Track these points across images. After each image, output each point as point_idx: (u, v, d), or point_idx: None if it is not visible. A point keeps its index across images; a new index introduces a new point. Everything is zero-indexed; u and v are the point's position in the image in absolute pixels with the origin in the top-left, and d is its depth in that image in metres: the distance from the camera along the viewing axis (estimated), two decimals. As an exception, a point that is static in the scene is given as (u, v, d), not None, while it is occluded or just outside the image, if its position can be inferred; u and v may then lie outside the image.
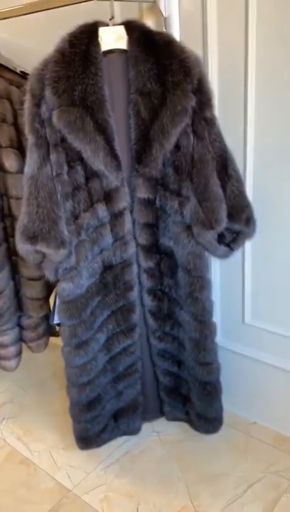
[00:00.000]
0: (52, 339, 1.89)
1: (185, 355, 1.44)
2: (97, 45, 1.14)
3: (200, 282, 1.32)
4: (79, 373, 1.37)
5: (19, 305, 1.75)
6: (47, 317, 1.78)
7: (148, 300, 1.38)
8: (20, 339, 1.83)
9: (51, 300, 1.41)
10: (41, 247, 1.19)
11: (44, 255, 1.23)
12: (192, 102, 1.14)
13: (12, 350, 1.79)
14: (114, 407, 1.51)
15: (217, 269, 1.53)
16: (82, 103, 1.11)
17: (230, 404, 1.61)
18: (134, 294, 1.35)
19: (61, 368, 1.42)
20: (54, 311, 1.37)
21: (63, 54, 1.12)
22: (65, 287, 1.27)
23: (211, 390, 1.45)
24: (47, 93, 1.11)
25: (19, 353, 1.83)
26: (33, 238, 1.19)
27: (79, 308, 1.30)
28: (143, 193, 1.24)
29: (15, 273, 1.71)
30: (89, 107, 1.12)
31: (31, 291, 1.70)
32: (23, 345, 1.85)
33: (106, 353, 1.41)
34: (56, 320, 1.37)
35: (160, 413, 1.61)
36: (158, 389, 1.55)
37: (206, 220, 1.21)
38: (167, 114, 1.13)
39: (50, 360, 2.07)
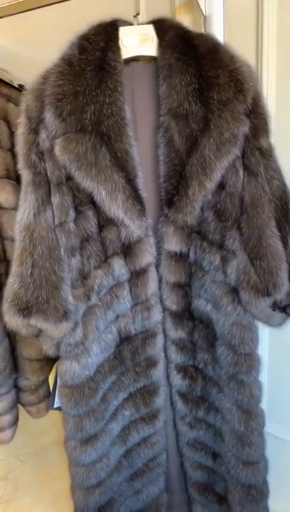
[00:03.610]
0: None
1: (222, 448, 1.12)
2: (117, 50, 0.89)
3: (247, 362, 1.01)
4: (86, 474, 1.06)
5: (15, 365, 1.45)
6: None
7: (176, 378, 1.07)
8: (18, 401, 1.54)
9: (51, 377, 1.11)
10: (36, 321, 0.90)
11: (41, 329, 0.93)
12: (244, 127, 0.86)
13: (7, 418, 1.49)
14: (131, 509, 1.18)
15: (265, 339, 1.22)
16: (96, 129, 0.85)
17: (277, 501, 1.28)
18: (158, 373, 1.05)
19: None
20: (54, 393, 1.06)
21: (70, 63, 0.86)
22: (68, 368, 0.97)
23: (256, 496, 1.12)
24: (48, 115, 0.85)
25: (15, 422, 1.53)
26: (25, 310, 0.89)
27: (86, 395, 0.99)
28: (173, 245, 0.95)
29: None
30: (105, 134, 0.85)
31: (29, 350, 1.42)
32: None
33: (122, 446, 1.10)
34: (57, 404, 1.06)
35: (188, 510, 1.28)
36: (186, 484, 1.22)
37: (260, 284, 0.91)
38: (210, 144, 0.86)
39: (52, 422, 1.76)
